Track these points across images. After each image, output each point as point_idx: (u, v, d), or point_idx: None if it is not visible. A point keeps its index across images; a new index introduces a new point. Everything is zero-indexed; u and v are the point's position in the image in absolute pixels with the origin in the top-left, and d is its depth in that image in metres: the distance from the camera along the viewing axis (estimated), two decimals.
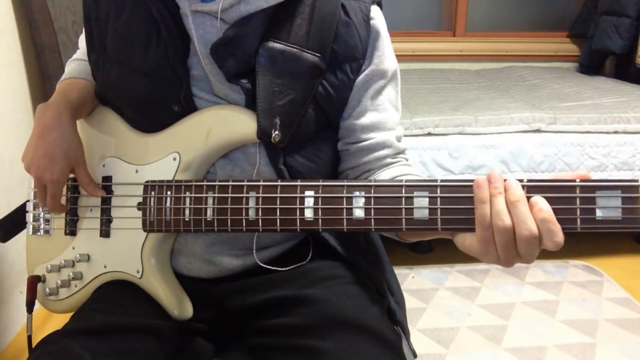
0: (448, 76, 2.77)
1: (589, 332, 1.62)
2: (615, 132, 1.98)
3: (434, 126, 1.93)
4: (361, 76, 0.76)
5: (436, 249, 2.12)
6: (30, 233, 0.87)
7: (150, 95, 0.73)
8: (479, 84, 2.62)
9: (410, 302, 1.77)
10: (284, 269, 0.77)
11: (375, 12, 0.77)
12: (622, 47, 2.61)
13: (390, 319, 0.77)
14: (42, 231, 0.86)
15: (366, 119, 0.77)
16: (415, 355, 0.81)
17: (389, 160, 0.78)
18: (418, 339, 1.59)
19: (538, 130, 1.97)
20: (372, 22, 0.76)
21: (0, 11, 1.53)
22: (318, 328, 0.68)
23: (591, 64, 2.94)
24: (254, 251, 0.76)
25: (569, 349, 1.54)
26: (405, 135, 2.30)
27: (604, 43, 2.69)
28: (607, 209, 0.51)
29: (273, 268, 0.77)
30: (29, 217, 0.87)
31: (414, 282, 1.91)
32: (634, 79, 2.61)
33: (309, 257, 0.79)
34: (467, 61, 3.08)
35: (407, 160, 0.81)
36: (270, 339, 0.72)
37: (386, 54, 0.78)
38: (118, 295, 0.76)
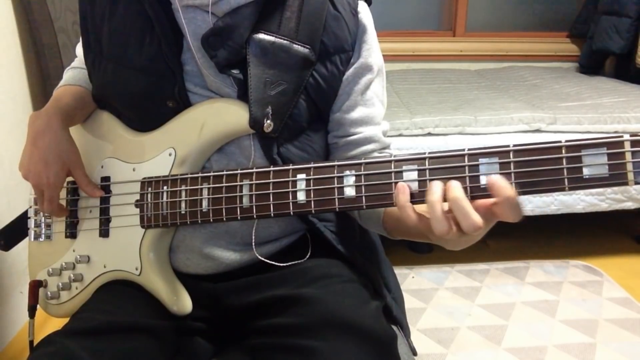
0: (448, 76, 2.76)
1: (589, 332, 1.62)
2: (616, 132, 1.97)
3: (434, 126, 1.93)
4: (350, 70, 0.77)
5: (436, 249, 2.12)
6: (32, 239, 0.87)
7: (146, 92, 0.74)
8: (479, 84, 2.62)
9: (410, 302, 1.77)
10: (282, 264, 0.77)
11: (362, 7, 0.79)
12: (622, 47, 2.61)
13: (387, 316, 0.77)
14: (43, 236, 0.86)
15: (356, 114, 0.78)
16: (415, 353, 0.81)
17: (375, 154, 0.80)
18: (418, 339, 1.59)
19: (538, 130, 1.96)
20: (359, 16, 0.78)
21: (0, 11, 1.53)
22: (312, 328, 0.68)
23: (591, 64, 2.94)
24: (253, 244, 0.76)
25: (569, 349, 1.54)
26: (405, 135, 2.28)
27: (604, 43, 2.69)
28: (594, 166, 0.51)
29: (271, 262, 0.77)
30: (31, 223, 0.87)
31: (414, 282, 1.91)
32: (634, 79, 2.60)
33: (307, 256, 0.79)
34: (467, 61, 3.08)
35: (391, 155, 0.82)
36: (268, 339, 0.72)
37: (374, 47, 0.79)
38: (117, 296, 0.76)
